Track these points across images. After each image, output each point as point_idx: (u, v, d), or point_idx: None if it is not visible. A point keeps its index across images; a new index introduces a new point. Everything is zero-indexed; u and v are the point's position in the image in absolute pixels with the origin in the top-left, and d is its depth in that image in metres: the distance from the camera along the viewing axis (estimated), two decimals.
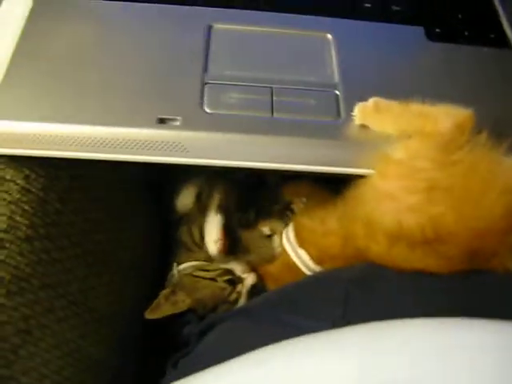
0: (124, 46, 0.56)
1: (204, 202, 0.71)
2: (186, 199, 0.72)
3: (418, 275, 0.49)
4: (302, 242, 0.61)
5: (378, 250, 0.50)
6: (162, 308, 0.63)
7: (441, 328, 0.39)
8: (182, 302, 0.64)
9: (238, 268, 0.66)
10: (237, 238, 0.69)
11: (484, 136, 0.49)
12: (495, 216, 0.47)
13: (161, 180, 0.75)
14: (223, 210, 0.69)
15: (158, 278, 0.70)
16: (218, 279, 0.65)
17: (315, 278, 0.57)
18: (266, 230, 0.67)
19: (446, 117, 0.49)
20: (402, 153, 0.49)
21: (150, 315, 0.62)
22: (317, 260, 0.59)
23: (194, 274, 0.66)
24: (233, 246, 0.68)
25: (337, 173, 0.52)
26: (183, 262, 0.69)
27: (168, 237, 0.73)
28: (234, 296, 0.65)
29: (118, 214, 0.64)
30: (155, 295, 0.64)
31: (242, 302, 0.65)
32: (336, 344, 0.40)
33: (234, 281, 0.65)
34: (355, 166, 0.52)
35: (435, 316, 0.40)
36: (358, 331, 0.41)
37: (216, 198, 0.71)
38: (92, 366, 0.57)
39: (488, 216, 0.47)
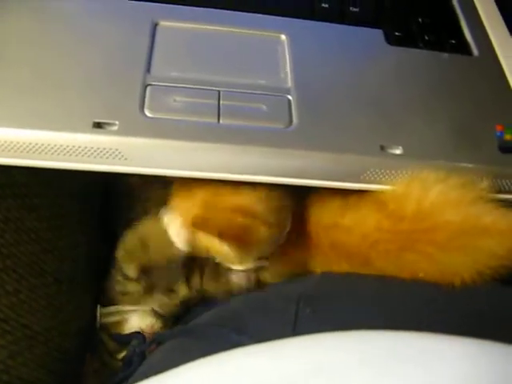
0: (59, 41, 0.51)
1: None
2: None
3: (381, 292, 0.48)
4: None
5: None
6: None
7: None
8: None
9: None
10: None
11: None
12: None
13: (108, 185, 0.71)
14: None
15: (103, 291, 0.66)
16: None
17: (264, 295, 0.53)
18: None
19: None
20: None
21: None
22: None
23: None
24: None
25: (287, 183, 0.49)
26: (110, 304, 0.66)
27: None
28: None
29: (55, 223, 0.60)
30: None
31: None
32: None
33: None
34: (308, 177, 0.49)
35: None
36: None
37: None
38: None
39: None
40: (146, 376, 0.49)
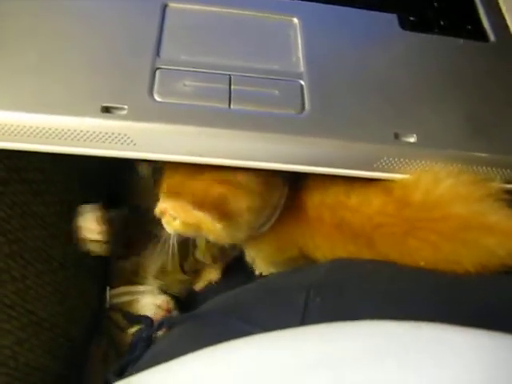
0: (66, 24, 0.50)
1: None
2: None
3: (390, 280, 0.47)
4: None
5: None
6: None
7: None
8: None
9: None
10: None
11: None
12: None
13: (112, 171, 0.70)
14: None
15: (109, 275, 0.66)
16: None
17: (273, 284, 0.52)
18: None
19: None
20: None
21: None
22: None
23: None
24: None
25: (299, 171, 0.48)
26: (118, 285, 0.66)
27: None
28: None
29: (62, 208, 0.59)
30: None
31: None
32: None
33: None
34: (320, 165, 0.48)
35: None
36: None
37: None
38: (30, 374, 0.53)
39: None
40: (154, 361, 0.49)
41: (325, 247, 0.54)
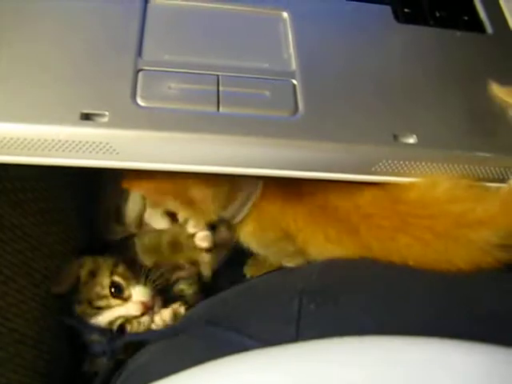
0: (41, 23, 0.47)
1: None
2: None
3: (387, 287, 0.45)
4: None
5: None
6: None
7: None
8: None
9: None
10: None
11: None
12: None
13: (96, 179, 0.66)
14: None
15: None
16: None
17: (261, 288, 0.50)
18: None
19: None
20: None
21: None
22: None
23: None
24: None
25: (294, 177, 0.45)
26: None
27: None
28: None
29: (43, 218, 0.56)
30: None
31: None
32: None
33: None
34: (316, 170, 0.45)
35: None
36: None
37: None
38: None
39: None
40: (139, 376, 0.47)
41: (306, 229, 0.52)
